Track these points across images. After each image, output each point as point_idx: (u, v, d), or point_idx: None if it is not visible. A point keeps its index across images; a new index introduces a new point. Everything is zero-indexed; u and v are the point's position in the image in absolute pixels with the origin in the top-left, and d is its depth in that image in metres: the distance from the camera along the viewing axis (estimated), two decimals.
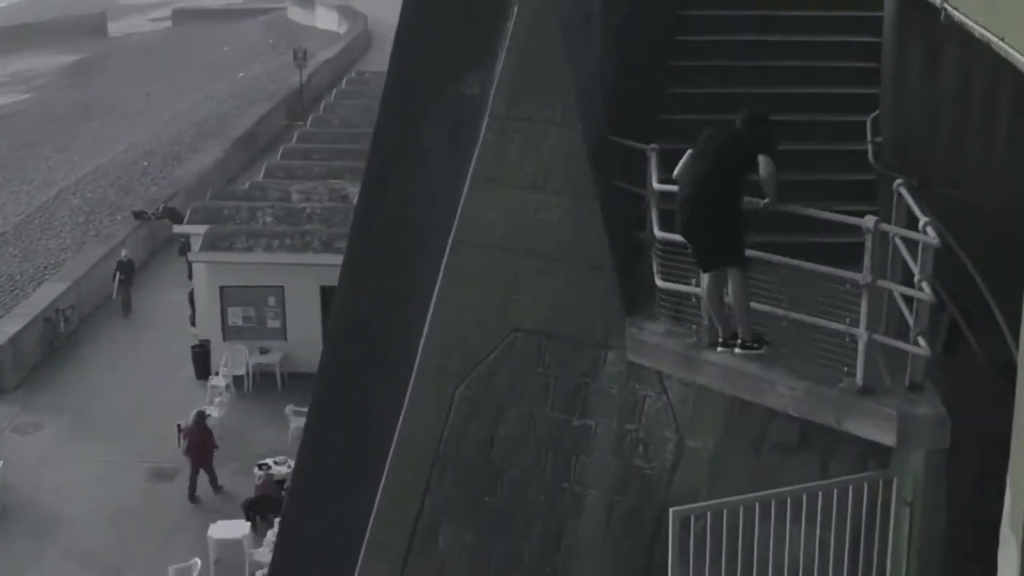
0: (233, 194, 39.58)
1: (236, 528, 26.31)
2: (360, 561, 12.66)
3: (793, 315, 10.44)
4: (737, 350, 10.54)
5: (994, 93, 10.61)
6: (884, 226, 9.86)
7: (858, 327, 9.99)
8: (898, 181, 10.39)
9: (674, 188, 10.73)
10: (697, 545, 9.78)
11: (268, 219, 36.22)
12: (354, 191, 38.65)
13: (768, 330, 10.68)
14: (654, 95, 12.86)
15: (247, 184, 40.86)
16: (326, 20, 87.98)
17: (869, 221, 9.85)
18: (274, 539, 25.40)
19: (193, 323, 36.21)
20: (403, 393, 13.11)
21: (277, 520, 26.03)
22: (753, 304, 10.56)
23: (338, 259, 33.83)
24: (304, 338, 33.65)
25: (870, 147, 12.21)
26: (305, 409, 30.51)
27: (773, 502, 9.98)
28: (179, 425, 28.91)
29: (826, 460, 10.68)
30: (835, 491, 10.13)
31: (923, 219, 9.81)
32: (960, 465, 10.09)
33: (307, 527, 14.65)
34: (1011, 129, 10.77)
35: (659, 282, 11.16)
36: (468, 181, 12.15)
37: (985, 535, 10.32)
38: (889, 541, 10.22)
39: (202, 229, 35.23)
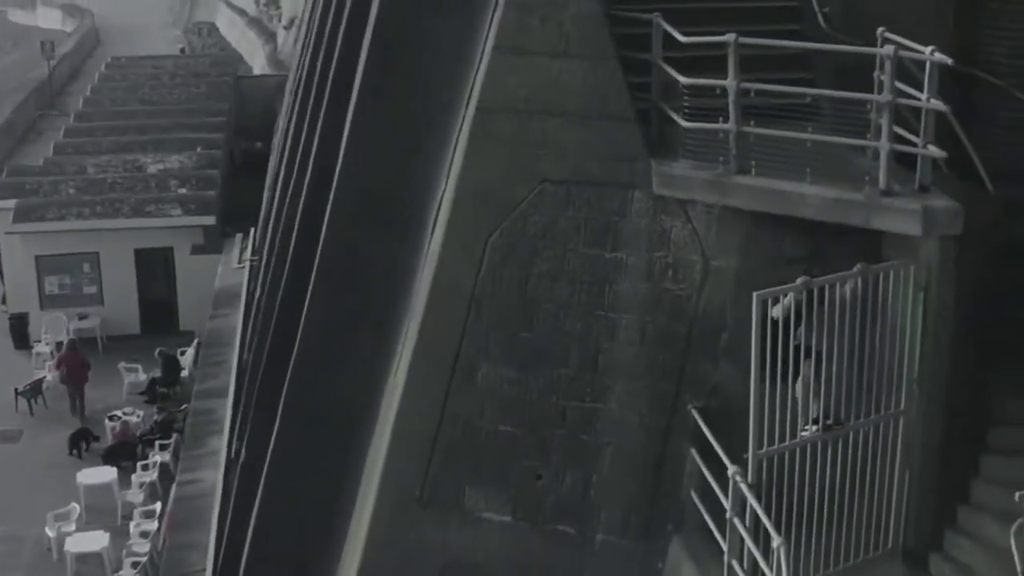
0: (30, 170, 39.84)
1: (104, 473, 26.94)
2: (398, 404, 13.95)
3: (816, 137, 12.37)
4: None
5: None
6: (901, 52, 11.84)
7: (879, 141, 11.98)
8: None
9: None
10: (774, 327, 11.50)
11: (71, 191, 36.63)
12: (148, 160, 39.59)
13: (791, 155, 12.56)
14: None
15: (42, 160, 41.07)
16: (49, 19, 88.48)
17: (889, 50, 11.82)
18: (142, 480, 26.30)
19: (3, 300, 36.30)
20: (415, 250, 14.53)
21: (139, 464, 27.05)
22: (778, 131, 12.44)
23: (149, 223, 34.95)
24: (121, 301, 34.30)
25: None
26: (136, 365, 31.57)
27: (815, 289, 11.77)
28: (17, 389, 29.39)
29: (829, 269, 12.52)
30: (859, 280, 12.00)
31: (929, 48, 11.85)
32: (966, 253, 12.16)
33: (311, 399, 15.75)
34: None
35: (685, 123, 12.90)
36: (488, 53, 13.60)
37: (987, 314, 12.49)
38: (908, 324, 12.18)
39: (10, 203, 35.34)
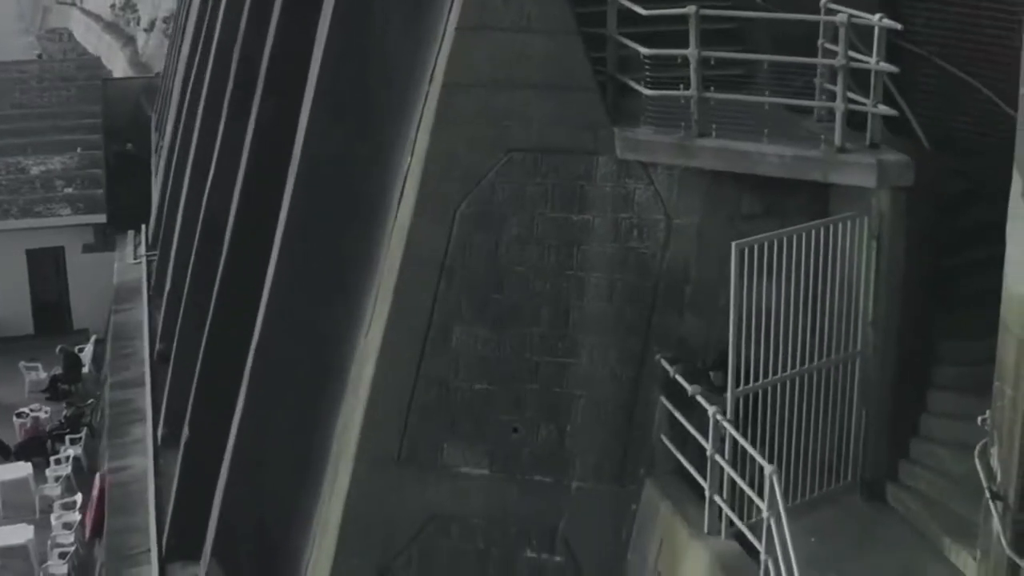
0: None
1: (19, 469, 27.12)
2: (374, 367, 14.61)
3: (776, 100, 13.36)
4: None
5: None
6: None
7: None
8: None
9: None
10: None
11: None
12: (29, 163, 39.52)
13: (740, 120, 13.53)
14: None
15: None
16: None
17: (843, 17, 12.84)
18: (57, 474, 26.54)
19: None
20: (379, 221, 15.22)
21: (52, 458, 27.29)
22: (739, 95, 13.41)
23: (40, 223, 34.96)
24: (13, 302, 34.34)
25: None
26: (36, 363, 31.68)
27: (785, 238, 12.73)
28: None
29: (784, 224, 13.51)
30: (814, 231, 12.99)
31: (877, 15, 12.89)
32: (913, 204, 13.22)
33: (282, 347, 16.30)
34: None
35: (647, 92, 13.80)
36: (452, 31, 14.32)
37: (936, 260, 13.56)
38: (862, 271, 13.20)
39: None
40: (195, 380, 20.34)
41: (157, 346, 27.31)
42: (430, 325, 14.38)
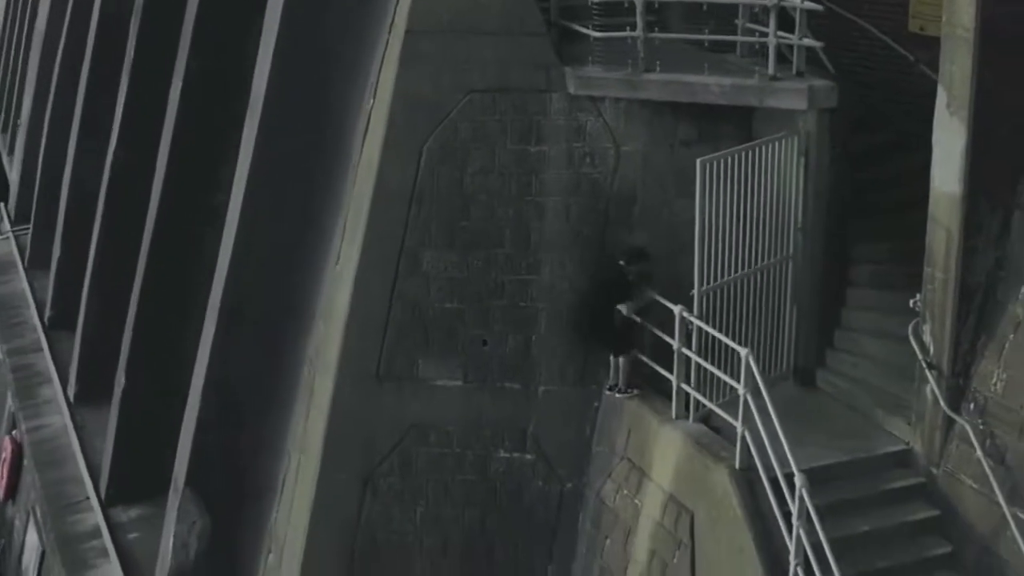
0: None
1: None
2: (351, 292, 16.02)
3: (713, 37, 15.24)
4: None
5: None
6: None
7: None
8: None
9: None
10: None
11: None
12: None
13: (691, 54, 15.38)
14: None
15: None
16: None
17: None
18: None
19: None
20: (342, 155, 16.60)
21: None
22: (680, 34, 15.25)
23: None
24: None
25: None
26: None
27: (734, 156, 14.60)
28: None
29: (717, 148, 15.34)
30: (753, 151, 14.89)
31: None
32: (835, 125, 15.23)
33: (248, 296, 17.56)
34: None
35: (596, 34, 15.54)
36: None
37: (851, 174, 15.58)
38: (792, 184, 15.15)
39: None
40: (130, 332, 21.32)
41: (48, 312, 28.03)
42: (402, 251, 15.83)
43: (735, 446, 13.71)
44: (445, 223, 15.80)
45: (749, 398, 13.38)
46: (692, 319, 14.30)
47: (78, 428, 23.70)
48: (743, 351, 13.48)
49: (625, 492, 15.07)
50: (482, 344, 15.85)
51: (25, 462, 24.84)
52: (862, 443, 14.42)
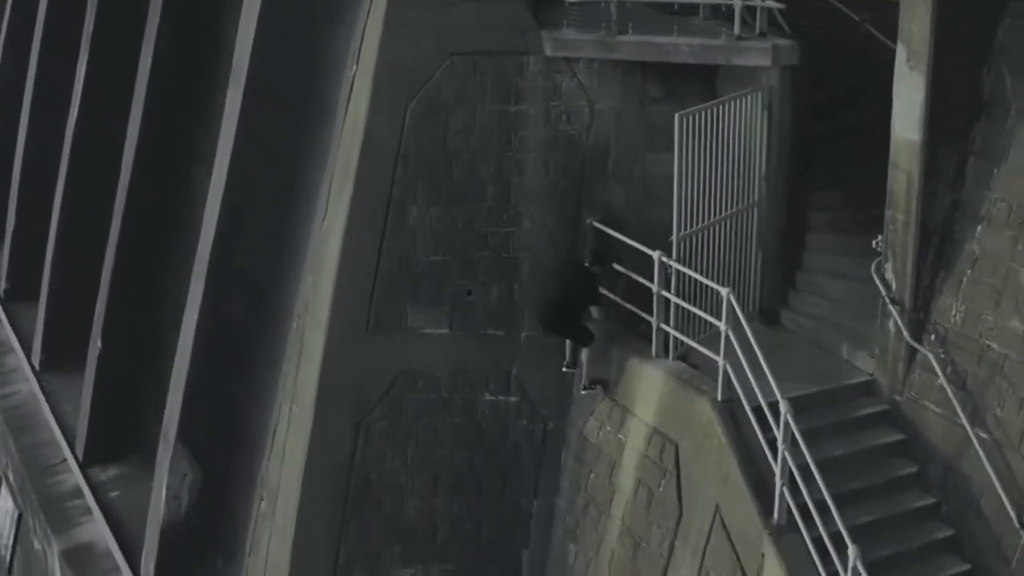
0: None
1: None
2: (340, 247, 16.87)
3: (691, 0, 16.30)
4: None
5: None
6: None
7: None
8: None
9: None
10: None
11: None
12: None
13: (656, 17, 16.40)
14: None
15: None
16: None
17: None
18: None
19: None
20: (325, 119, 17.43)
21: None
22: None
23: None
24: None
25: None
26: None
27: (696, 115, 15.62)
28: None
29: (684, 106, 16.36)
30: (722, 106, 15.95)
31: None
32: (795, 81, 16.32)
33: (233, 258, 18.33)
34: None
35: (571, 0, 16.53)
36: None
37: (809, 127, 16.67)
38: (757, 136, 16.22)
39: None
40: (105, 298, 21.95)
41: (3, 286, 28.49)
42: (389, 207, 16.71)
43: (714, 381, 14.73)
44: (430, 180, 16.67)
45: (730, 333, 14.41)
46: (671, 263, 15.30)
47: (47, 394, 24.26)
48: (724, 290, 14.52)
49: (608, 428, 16.08)
50: (467, 294, 16.76)
51: None
52: (829, 375, 15.50)
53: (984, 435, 13.99)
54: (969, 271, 14.51)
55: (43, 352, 25.16)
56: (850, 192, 17.07)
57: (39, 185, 26.73)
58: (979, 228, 14.52)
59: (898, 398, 15.06)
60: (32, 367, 25.33)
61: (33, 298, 26.77)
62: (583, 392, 16.28)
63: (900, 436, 14.93)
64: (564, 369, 16.40)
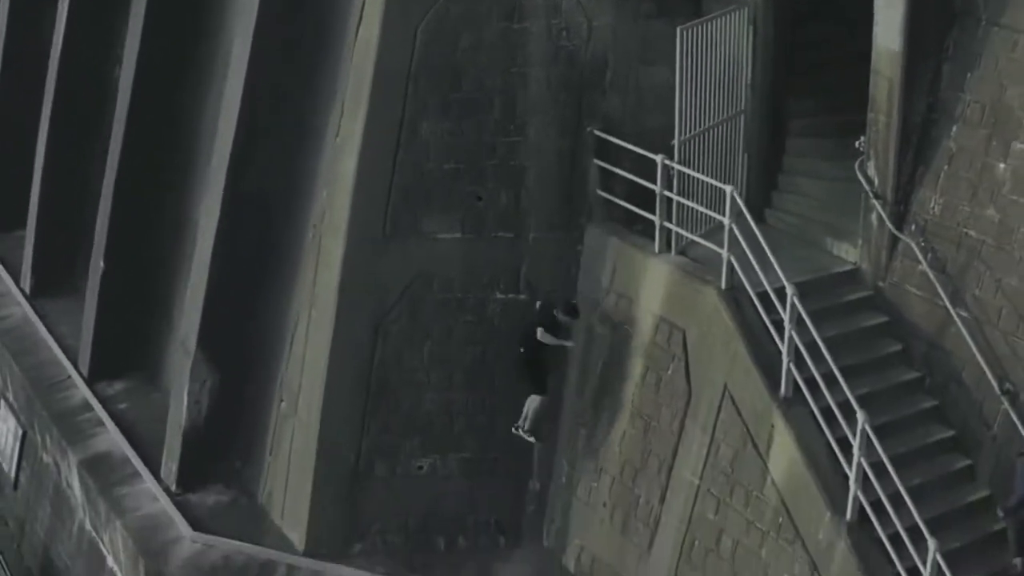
0: None
1: None
2: (356, 161, 18.03)
3: None
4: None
5: None
6: None
7: None
8: None
9: None
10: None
11: None
12: None
13: None
14: None
15: None
16: None
17: None
18: None
19: None
20: (335, 40, 18.49)
21: None
22: None
23: None
24: None
25: None
26: None
27: (694, 29, 16.94)
28: None
29: (673, 23, 17.61)
30: (715, 20, 17.27)
31: None
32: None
33: (251, 171, 19.41)
34: None
35: None
36: None
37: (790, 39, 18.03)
38: (744, 49, 17.57)
39: None
40: (106, 218, 22.83)
41: None
42: (402, 122, 17.87)
43: (716, 273, 16.14)
44: (440, 95, 17.85)
45: (735, 227, 15.82)
46: (674, 165, 16.67)
47: (41, 316, 25.15)
48: (728, 188, 15.95)
49: (614, 320, 17.45)
50: (477, 200, 18.00)
51: None
52: (815, 266, 16.94)
53: (964, 314, 15.50)
54: (946, 167, 15.98)
55: (33, 277, 25.95)
56: (823, 100, 18.49)
57: (20, 108, 27.02)
58: (955, 128, 15.99)
59: (881, 284, 16.54)
60: (23, 292, 26.13)
61: (10, 228, 27.43)
62: (527, 439, 17.82)
63: (884, 318, 16.42)
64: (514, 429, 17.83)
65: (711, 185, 16.86)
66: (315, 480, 18.51)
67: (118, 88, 23.02)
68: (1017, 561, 14.39)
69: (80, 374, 23.21)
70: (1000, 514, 14.74)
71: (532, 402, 17.55)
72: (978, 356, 15.24)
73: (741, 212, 16.22)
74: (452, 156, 17.92)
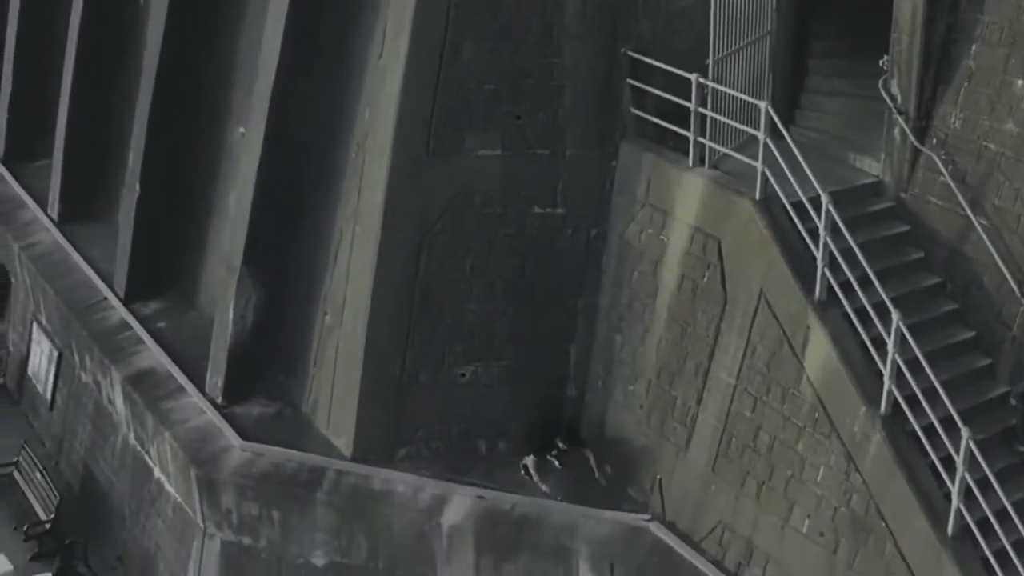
0: None
1: None
2: (401, 82, 18.84)
3: None
4: None
5: None
6: None
7: None
8: None
9: None
10: None
11: None
12: None
13: None
14: None
15: None
16: None
17: None
18: None
19: None
20: None
21: None
22: None
23: None
24: None
25: None
26: None
27: None
28: None
29: None
30: None
31: None
32: None
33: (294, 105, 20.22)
34: None
35: None
36: None
37: None
38: None
39: None
40: (141, 149, 23.60)
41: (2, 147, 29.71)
42: (444, 45, 18.68)
43: (749, 185, 17.10)
44: (480, 19, 18.66)
45: (769, 141, 16.77)
46: (708, 83, 17.60)
47: (72, 242, 25.90)
48: (762, 103, 16.88)
49: (650, 231, 18.39)
50: (516, 118, 18.86)
51: (12, 280, 26.96)
52: (840, 179, 17.83)
53: (984, 222, 16.50)
54: (966, 84, 16.94)
55: (61, 204, 26.68)
56: (843, 22, 19.43)
57: (44, 36, 27.47)
58: (974, 47, 16.92)
59: (903, 195, 17.51)
60: (51, 219, 26.85)
61: (33, 158, 28.16)
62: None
63: (907, 227, 17.40)
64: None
65: (741, 102, 17.74)
66: (362, 389, 19.43)
67: (150, 8, 23.60)
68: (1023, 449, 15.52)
69: (116, 295, 23.98)
70: (1012, 401, 15.80)
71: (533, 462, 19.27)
72: (999, 261, 16.21)
73: (774, 126, 17.21)
74: (492, 76, 18.74)
